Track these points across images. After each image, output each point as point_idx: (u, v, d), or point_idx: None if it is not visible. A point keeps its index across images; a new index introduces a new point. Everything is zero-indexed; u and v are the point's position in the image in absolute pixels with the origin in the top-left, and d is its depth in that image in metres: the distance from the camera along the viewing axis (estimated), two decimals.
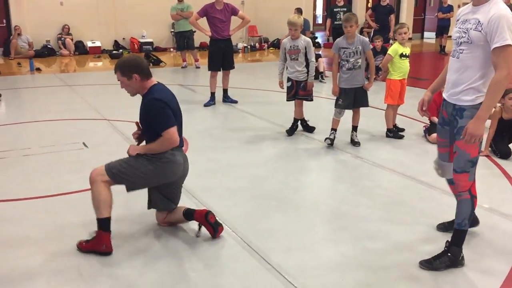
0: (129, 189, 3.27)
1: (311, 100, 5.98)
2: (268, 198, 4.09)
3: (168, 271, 2.97)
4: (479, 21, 2.76)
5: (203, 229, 3.38)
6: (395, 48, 5.61)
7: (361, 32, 14.85)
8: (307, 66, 5.78)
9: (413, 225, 3.57)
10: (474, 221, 3.40)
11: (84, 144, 5.53)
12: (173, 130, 3.21)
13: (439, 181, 4.38)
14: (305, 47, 5.74)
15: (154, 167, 3.23)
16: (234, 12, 7.50)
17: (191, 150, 5.33)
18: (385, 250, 3.21)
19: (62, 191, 4.20)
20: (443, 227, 3.48)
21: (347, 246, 3.26)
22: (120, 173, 3.20)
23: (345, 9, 11.25)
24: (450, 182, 3.34)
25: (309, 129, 6.09)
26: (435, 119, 5.63)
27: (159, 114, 3.19)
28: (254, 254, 3.16)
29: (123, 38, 15.05)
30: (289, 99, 5.99)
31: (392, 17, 11.10)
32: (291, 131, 5.96)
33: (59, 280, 2.88)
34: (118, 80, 3.26)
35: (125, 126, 6.24)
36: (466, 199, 2.96)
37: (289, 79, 5.91)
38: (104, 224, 3.15)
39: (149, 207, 3.50)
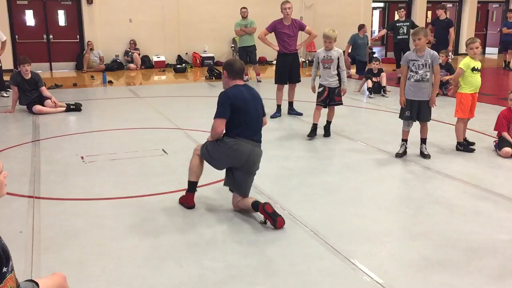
0: (212, 166, 4.10)
1: (342, 104, 6.63)
2: (344, 203, 4.26)
3: (255, 267, 3.19)
4: None
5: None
6: (466, 62, 5.66)
7: None
8: (339, 74, 6.40)
9: (493, 234, 3.63)
10: None
11: (163, 150, 5.90)
12: (219, 121, 3.83)
13: None
14: (337, 58, 6.37)
15: (220, 151, 3.93)
16: (302, 27, 7.76)
17: (263, 159, 5.56)
18: (468, 256, 3.29)
19: (152, 192, 4.53)
20: None
21: (428, 251, 3.37)
22: (204, 153, 4.02)
23: (408, 23, 11.29)
24: None
25: (328, 133, 6.64)
26: (507, 135, 5.65)
27: (218, 103, 3.83)
28: (338, 254, 3.33)
29: (186, 53, 15.68)
30: (319, 103, 6.50)
31: (451, 31, 11.03)
32: (311, 134, 6.50)
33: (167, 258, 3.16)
34: None
35: (198, 135, 6.60)
36: None
37: (321, 85, 6.46)
38: (189, 186, 4.12)
39: (224, 184, 4.14)
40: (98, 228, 3.78)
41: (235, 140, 3.88)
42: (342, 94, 6.48)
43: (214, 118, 3.86)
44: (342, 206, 4.22)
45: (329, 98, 6.45)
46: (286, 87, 7.97)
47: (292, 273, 3.12)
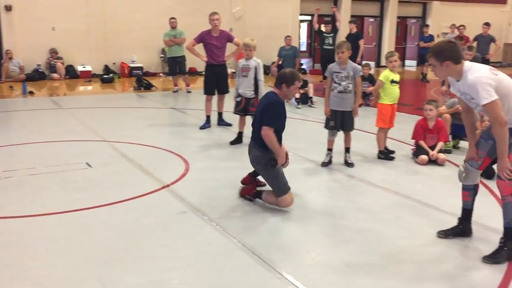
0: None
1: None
2: (271, 213, 4.31)
3: (182, 280, 3.15)
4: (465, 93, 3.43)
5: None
6: (386, 75, 5.95)
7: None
8: (256, 84, 6.49)
9: (411, 239, 3.82)
10: (467, 232, 3.76)
11: (88, 164, 5.69)
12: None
13: (432, 199, 4.69)
14: (255, 67, 6.50)
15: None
16: (230, 39, 7.82)
17: (193, 170, 5.54)
18: (388, 261, 3.44)
19: (74, 208, 4.34)
20: (443, 234, 3.82)
21: (351, 257, 3.48)
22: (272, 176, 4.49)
23: (332, 34, 11.86)
24: (466, 189, 3.75)
25: (238, 140, 6.73)
26: (423, 144, 5.99)
27: (275, 112, 4.46)
28: (264, 265, 3.36)
29: (114, 63, 15.27)
30: (236, 112, 6.68)
31: (360, 42, 11.69)
32: (235, 142, 6.69)
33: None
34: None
35: (125, 147, 6.43)
36: (510, 202, 3.43)
37: (239, 95, 6.56)
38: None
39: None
40: (14, 248, 3.57)
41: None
42: (256, 104, 6.48)
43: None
44: (269, 216, 4.26)
45: (245, 108, 6.58)
46: (215, 98, 7.97)
47: (220, 285, 3.10)
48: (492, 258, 3.42)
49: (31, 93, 11.39)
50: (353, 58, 11.11)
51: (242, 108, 6.62)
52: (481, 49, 11.79)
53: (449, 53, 3.37)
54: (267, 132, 4.28)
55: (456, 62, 3.38)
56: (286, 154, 4.51)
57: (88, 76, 14.53)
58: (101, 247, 3.60)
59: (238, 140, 6.74)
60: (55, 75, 14.06)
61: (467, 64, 3.40)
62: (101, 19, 14.83)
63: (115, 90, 13.00)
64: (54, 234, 3.81)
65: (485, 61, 11.42)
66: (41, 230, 3.90)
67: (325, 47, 12.05)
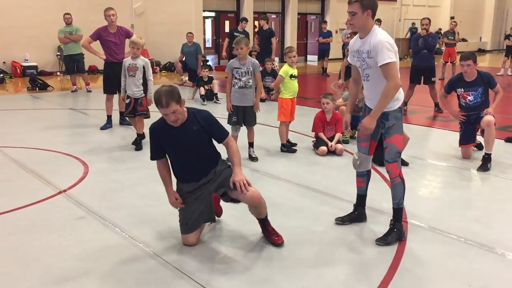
0: None
1: (149, 116, 6.37)
2: (171, 213, 4.24)
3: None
4: (368, 50, 3.48)
5: None
6: (285, 70, 6.10)
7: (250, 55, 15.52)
8: (144, 84, 6.34)
9: (311, 226, 3.96)
10: (362, 217, 4.06)
11: None
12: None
13: (331, 188, 4.89)
14: (143, 66, 6.31)
15: None
16: (128, 35, 7.57)
17: (92, 173, 5.30)
18: (288, 250, 3.53)
19: None
20: (340, 220, 4.01)
21: (253, 253, 3.53)
22: None
23: (244, 35, 11.82)
24: (360, 175, 3.98)
25: (138, 145, 6.35)
26: (322, 135, 6.23)
27: (217, 122, 3.61)
28: (167, 265, 3.30)
29: (4, 62, 14.18)
30: (127, 115, 6.54)
31: (273, 40, 11.88)
32: (135, 143, 6.39)
33: None
34: (171, 112, 3.31)
35: (16, 152, 6.00)
36: (399, 182, 3.67)
37: (128, 96, 6.37)
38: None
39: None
40: None
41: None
42: (147, 104, 6.33)
43: (226, 136, 3.71)
44: (170, 215, 4.18)
45: (133, 108, 6.33)
46: (116, 97, 7.68)
47: None
48: (383, 240, 3.65)
49: None
50: (268, 55, 11.31)
51: (132, 109, 6.35)
52: None
53: (373, 3, 3.51)
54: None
55: (373, 17, 3.54)
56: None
57: None
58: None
59: (135, 141, 6.45)
60: None
61: (375, 26, 3.55)
62: None
63: (7, 91, 12.09)
64: None
65: None
66: None
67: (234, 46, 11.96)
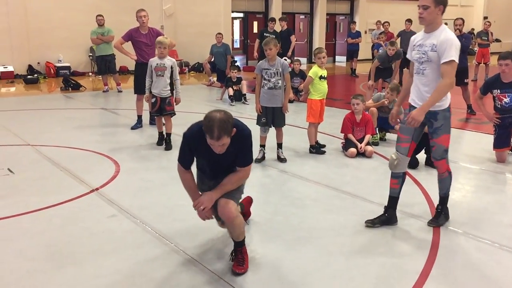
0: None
1: (174, 114, 6.54)
2: None
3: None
4: (433, 44, 3.58)
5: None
6: (315, 71, 6.07)
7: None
8: (171, 84, 6.41)
9: (341, 230, 3.92)
10: (392, 219, 4.03)
11: (9, 170, 5.38)
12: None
13: (360, 190, 4.84)
14: (171, 66, 6.37)
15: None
16: (159, 36, 7.64)
17: (123, 172, 5.39)
18: (318, 253, 3.51)
19: None
20: (371, 223, 3.98)
21: (283, 252, 3.52)
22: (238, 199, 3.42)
23: (274, 36, 11.82)
24: (395, 177, 3.98)
25: (168, 145, 6.45)
26: (351, 137, 6.17)
27: (250, 147, 3.24)
28: (198, 265, 3.32)
29: (38, 63, 14.55)
30: (152, 113, 6.56)
31: (292, 38, 11.83)
32: (160, 143, 6.55)
33: None
34: (220, 144, 2.95)
35: (51, 151, 6.15)
36: (447, 177, 3.94)
37: (154, 96, 6.38)
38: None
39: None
40: None
41: None
42: (175, 103, 6.47)
43: (249, 163, 3.34)
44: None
45: (161, 108, 6.41)
46: None
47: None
48: (435, 222, 3.94)
49: None
50: (285, 53, 11.32)
51: (158, 109, 6.43)
52: (405, 45, 12.31)
53: (446, 0, 3.63)
54: (178, 169, 3.37)
55: (443, 12, 3.65)
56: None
57: (10, 77, 13.75)
58: (23, 258, 3.41)
59: (160, 141, 6.58)
60: None
61: (443, 24, 3.69)
62: (22, 17, 14.05)
63: (41, 91, 12.38)
64: None
65: None
66: None
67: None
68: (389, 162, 3.98)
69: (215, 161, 3.21)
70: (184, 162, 3.27)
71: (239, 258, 3.28)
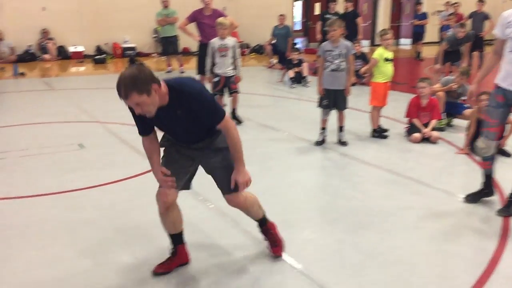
0: None
1: (237, 92, 6.75)
2: (265, 191, 4.30)
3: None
4: None
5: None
6: (380, 53, 5.91)
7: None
8: (234, 63, 6.54)
9: (405, 216, 3.84)
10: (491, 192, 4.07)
11: (80, 145, 5.66)
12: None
13: (424, 176, 4.70)
14: (233, 46, 6.48)
15: None
16: (222, 17, 7.71)
17: None
18: (380, 237, 3.46)
19: (66, 188, 4.33)
20: (471, 198, 4.03)
21: (344, 235, 3.50)
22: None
23: (336, 16, 11.60)
24: (487, 159, 3.94)
25: (237, 120, 6.78)
26: (416, 121, 5.98)
27: (208, 101, 2.68)
28: (258, 243, 3.37)
29: (106, 43, 15.11)
30: (215, 92, 6.62)
31: (358, 20, 11.50)
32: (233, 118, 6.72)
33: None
34: (133, 104, 2.50)
35: (118, 128, 6.40)
36: None
37: (216, 75, 6.54)
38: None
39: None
40: (6, 229, 3.56)
41: None
42: (236, 81, 6.63)
43: (222, 119, 2.75)
44: (263, 194, 4.22)
45: (226, 86, 6.59)
46: None
47: (213, 261, 3.12)
48: (505, 211, 3.80)
49: (22, 74, 11.27)
50: (353, 36, 11.04)
51: (221, 87, 6.61)
52: (476, 27, 11.71)
53: None
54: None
55: None
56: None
57: (80, 57, 14.38)
58: (93, 227, 3.60)
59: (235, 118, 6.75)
60: (46, 56, 13.91)
61: None
62: None
63: (108, 70, 12.88)
64: (46, 215, 3.80)
65: (479, 38, 11.37)
66: (33, 211, 3.90)
67: (326, 28, 11.70)
68: (476, 150, 3.94)
69: (171, 129, 2.84)
70: (138, 128, 2.85)
71: (270, 239, 3.15)
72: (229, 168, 2.89)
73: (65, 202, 4.07)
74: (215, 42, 6.52)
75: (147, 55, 15.35)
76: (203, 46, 7.70)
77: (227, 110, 6.76)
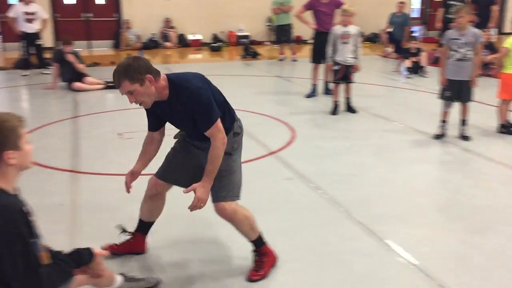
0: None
1: (353, 82, 6.68)
2: (379, 184, 4.20)
3: (290, 246, 3.21)
4: None
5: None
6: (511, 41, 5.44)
7: None
8: (355, 51, 6.43)
9: None
10: None
11: None
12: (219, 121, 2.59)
13: None
14: (355, 34, 6.41)
15: (239, 154, 2.84)
16: (338, 5, 7.58)
17: (299, 138, 5.56)
18: (507, 241, 3.21)
19: None
20: None
21: (465, 234, 3.30)
22: (237, 191, 2.79)
23: (461, 3, 10.86)
24: None
25: (352, 109, 6.72)
26: None
27: (204, 103, 2.53)
28: (372, 235, 3.30)
29: (222, 32, 15.65)
30: (336, 81, 6.58)
31: (494, 8, 10.53)
32: (334, 112, 6.64)
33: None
34: (126, 92, 2.47)
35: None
36: None
37: (337, 63, 6.43)
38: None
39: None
40: (135, 203, 3.86)
41: (238, 124, 2.89)
42: (355, 71, 6.53)
43: (211, 125, 2.58)
44: (377, 187, 4.16)
45: (345, 75, 6.50)
46: (321, 66, 7.86)
47: (325, 252, 3.11)
48: None
49: None
50: (484, 24, 10.23)
51: (342, 76, 6.52)
52: None
53: None
54: None
55: None
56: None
57: (198, 45, 15.05)
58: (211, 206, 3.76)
59: (336, 109, 6.66)
60: (168, 44, 14.78)
61: None
62: None
63: (222, 58, 13.34)
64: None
65: None
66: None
67: (448, 16, 10.99)
68: None
69: (176, 124, 2.78)
70: (148, 123, 2.85)
71: (256, 261, 2.82)
72: (224, 174, 2.67)
73: None
74: (337, 29, 6.49)
75: (260, 43, 15.63)
76: (318, 34, 7.67)
77: (341, 99, 6.68)
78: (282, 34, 11.83)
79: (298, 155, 4.99)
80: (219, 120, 2.56)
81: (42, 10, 9.84)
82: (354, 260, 3.02)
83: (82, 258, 2.06)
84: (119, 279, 2.45)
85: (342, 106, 6.74)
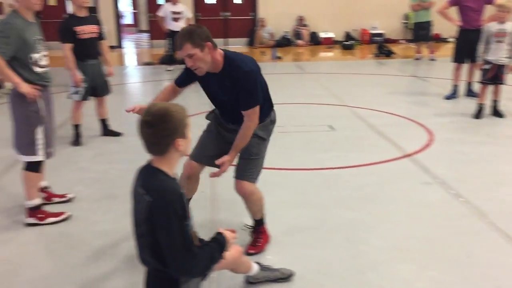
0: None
1: (504, 84, 6.13)
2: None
3: (428, 252, 3.04)
4: None
5: None
6: None
7: None
8: (510, 50, 5.93)
9: None
10: None
11: (330, 127, 5.92)
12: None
13: None
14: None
15: (268, 137, 3.00)
16: (489, 0, 6.99)
17: (437, 141, 5.25)
18: None
19: (316, 166, 4.59)
20: None
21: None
22: (258, 174, 2.99)
23: None
24: None
25: (499, 113, 6.17)
26: None
27: (251, 85, 2.72)
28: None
29: (354, 30, 15.38)
30: (483, 81, 6.10)
31: None
32: (478, 115, 6.14)
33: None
34: (186, 55, 2.59)
35: (366, 113, 6.47)
36: None
37: (488, 62, 5.99)
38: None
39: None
40: (265, 195, 3.96)
41: (272, 113, 3.09)
42: (508, 71, 6.02)
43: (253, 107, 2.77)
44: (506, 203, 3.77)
45: (496, 75, 5.96)
46: (465, 67, 7.32)
47: (470, 264, 2.90)
48: None
49: (279, 58, 12.35)
50: None
51: (491, 76, 6.00)
52: None
53: None
54: None
55: None
56: None
57: (330, 43, 14.98)
58: (343, 206, 3.72)
59: (480, 113, 6.13)
60: (300, 42, 14.93)
61: None
62: None
63: (354, 56, 13.11)
64: (297, 189, 4.10)
65: None
66: (288, 182, 4.25)
67: None
68: None
69: (217, 99, 2.92)
70: (178, 78, 2.97)
71: (254, 238, 3.09)
72: (254, 157, 2.90)
73: (316, 178, 4.32)
74: (492, 26, 6.04)
75: (394, 41, 15.06)
76: (464, 32, 7.15)
77: (487, 102, 6.17)
78: (420, 32, 11.26)
79: (437, 159, 4.71)
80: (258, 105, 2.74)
81: (187, 9, 10.53)
82: (501, 276, 2.76)
83: (223, 245, 2.14)
84: (255, 267, 2.53)
85: (487, 109, 6.22)
